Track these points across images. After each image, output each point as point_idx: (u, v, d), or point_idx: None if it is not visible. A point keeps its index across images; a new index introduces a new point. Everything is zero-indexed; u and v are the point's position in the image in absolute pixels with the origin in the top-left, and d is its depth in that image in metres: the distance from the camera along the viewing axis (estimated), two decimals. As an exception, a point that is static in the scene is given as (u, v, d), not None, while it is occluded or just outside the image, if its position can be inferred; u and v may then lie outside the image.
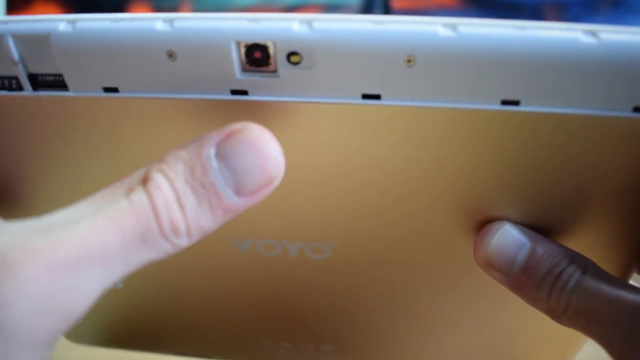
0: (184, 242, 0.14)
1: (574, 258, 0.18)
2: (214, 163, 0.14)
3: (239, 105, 0.16)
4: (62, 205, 0.14)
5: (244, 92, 0.16)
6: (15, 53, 0.16)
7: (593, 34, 0.14)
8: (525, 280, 0.18)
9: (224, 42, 0.15)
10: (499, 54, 0.14)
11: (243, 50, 0.15)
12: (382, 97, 0.16)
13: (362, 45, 0.15)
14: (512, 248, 0.18)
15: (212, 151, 0.14)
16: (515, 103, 0.15)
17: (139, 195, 0.14)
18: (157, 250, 0.14)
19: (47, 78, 0.16)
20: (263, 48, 0.15)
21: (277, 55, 0.15)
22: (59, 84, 0.16)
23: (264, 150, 0.14)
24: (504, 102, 0.15)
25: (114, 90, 0.16)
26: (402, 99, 0.16)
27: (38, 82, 0.16)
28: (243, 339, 0.28)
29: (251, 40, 0.15)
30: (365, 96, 0.16)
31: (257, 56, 0.15)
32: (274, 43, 0.15)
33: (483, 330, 0.25)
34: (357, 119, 0.16)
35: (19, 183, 0.20)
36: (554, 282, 0.17)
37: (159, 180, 0.14)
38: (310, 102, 0.16)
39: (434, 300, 0.24)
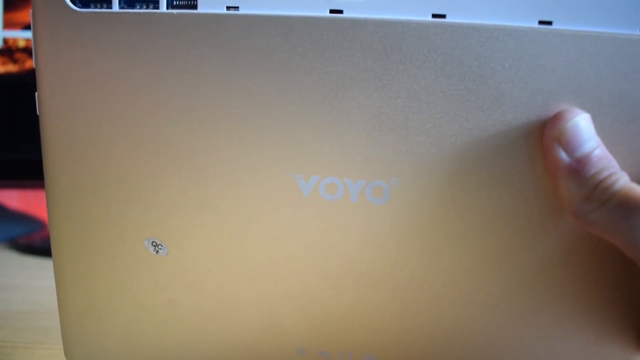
0: None
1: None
2: None
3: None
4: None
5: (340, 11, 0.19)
6: None
7: None
8: (581, 166, 0.20)
9: None
10: None
11: None
12: (447, 16, 0.19)
13: None
14: (586, 134, 0.21)
15: None
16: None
17: None
18: None
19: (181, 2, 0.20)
20: None
21: None
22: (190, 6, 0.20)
23: None
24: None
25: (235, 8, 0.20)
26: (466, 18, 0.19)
27: (172, 5, 0.20)
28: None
29: None
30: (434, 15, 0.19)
31: None
32: None
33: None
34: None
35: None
36: (609, 175, 0.20)
37: None
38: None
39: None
